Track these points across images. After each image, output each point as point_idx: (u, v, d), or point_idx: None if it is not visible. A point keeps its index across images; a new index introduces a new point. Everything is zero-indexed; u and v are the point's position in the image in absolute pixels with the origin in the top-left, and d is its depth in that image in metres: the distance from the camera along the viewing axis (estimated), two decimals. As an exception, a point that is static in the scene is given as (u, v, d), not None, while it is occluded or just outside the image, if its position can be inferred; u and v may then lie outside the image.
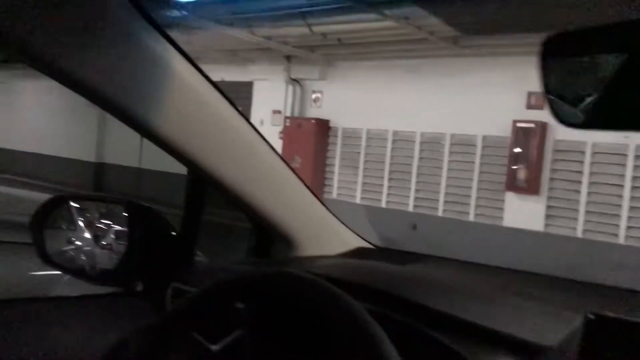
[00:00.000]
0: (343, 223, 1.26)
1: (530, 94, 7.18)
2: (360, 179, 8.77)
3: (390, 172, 8.45)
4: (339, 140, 9.04)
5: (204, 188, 1.08)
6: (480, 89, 7.48)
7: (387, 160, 8.47)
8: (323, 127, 9.07)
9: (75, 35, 0.74)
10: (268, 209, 1.08)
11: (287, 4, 6.90)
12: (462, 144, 7.74)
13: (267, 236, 1.18)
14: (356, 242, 1.29)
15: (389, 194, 8.48)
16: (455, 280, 1.04)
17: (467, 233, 7.40)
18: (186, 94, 0.89)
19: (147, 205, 1.11)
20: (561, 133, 6.93)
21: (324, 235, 1.22)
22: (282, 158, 1.08)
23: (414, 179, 8.20)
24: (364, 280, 0.89)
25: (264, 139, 1.03)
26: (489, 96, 7.43)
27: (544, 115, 7.01)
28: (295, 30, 7.60)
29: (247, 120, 1.00)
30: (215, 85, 0.92)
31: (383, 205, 8.48)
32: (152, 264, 1.09)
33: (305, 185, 1.15)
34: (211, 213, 1.18)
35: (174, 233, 1.13)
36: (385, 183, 8.49)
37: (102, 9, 0.76)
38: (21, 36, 0.71)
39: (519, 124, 7.13)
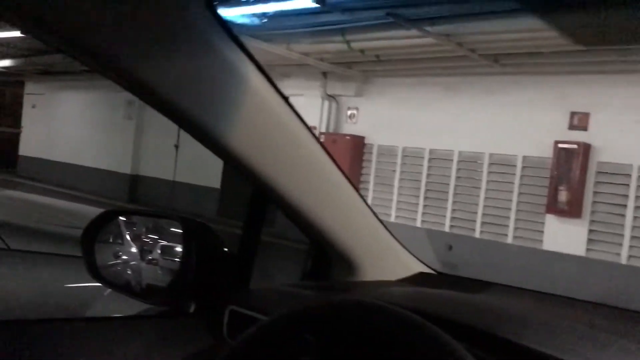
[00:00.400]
0: (405, 247, 1.20)
1: (573, 114, 7.01)
2: (395, 197, 8.66)
3: (426, 190, 8.32)
4: (374, 157, 8.96)
5: (265, 206, 1.03)
6: (521, 108, 7.34)
7: (423, 178, 8.35)
8: (358, 144, 9.02)
9: (154, 45, 0.71)
10: (332, 229, 1.02)
11: (327, 20, 6.88)
12: (501, 164, 7.58)
13: (325, 257, 1.12)
14: (417, 267, 1.22)
15: (424, 213, 8.35)
16: (534, 312, 0.96)
17: (505, 255, 7.21)
18: (260, 107, 0.85)
19: (203, 222, 1.06)
20: (605, 155, 6.75)
21: (385, 259, 1.16)
22: (348, 178, 1.02)
23: (450, 199, 8.05)
24: (439, 311, 0.82)
25: (332, 158, 0.98)
26: (530, 116, 7.28)
27: (587, 136, 6.84)
28: (333, 46, 7.58)
29: (317, 138, 0.95)
30: (287, 99, 0.88)
31: (418, 224, 8.34)
32: (206, 284, 1.03)
33: (369, 207, 1.09)
34: (266, 232, 1.12)
35: (226, 250, 1.08)
36: (421, 202, 8.36)
37: (182, 18, 0.73)
38: (97, 45, 0.68)
39: (561, 145, 6.96)
